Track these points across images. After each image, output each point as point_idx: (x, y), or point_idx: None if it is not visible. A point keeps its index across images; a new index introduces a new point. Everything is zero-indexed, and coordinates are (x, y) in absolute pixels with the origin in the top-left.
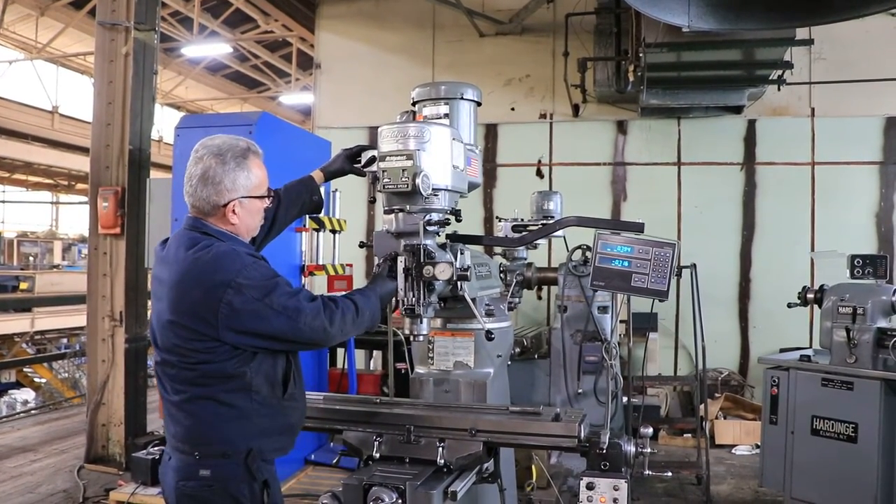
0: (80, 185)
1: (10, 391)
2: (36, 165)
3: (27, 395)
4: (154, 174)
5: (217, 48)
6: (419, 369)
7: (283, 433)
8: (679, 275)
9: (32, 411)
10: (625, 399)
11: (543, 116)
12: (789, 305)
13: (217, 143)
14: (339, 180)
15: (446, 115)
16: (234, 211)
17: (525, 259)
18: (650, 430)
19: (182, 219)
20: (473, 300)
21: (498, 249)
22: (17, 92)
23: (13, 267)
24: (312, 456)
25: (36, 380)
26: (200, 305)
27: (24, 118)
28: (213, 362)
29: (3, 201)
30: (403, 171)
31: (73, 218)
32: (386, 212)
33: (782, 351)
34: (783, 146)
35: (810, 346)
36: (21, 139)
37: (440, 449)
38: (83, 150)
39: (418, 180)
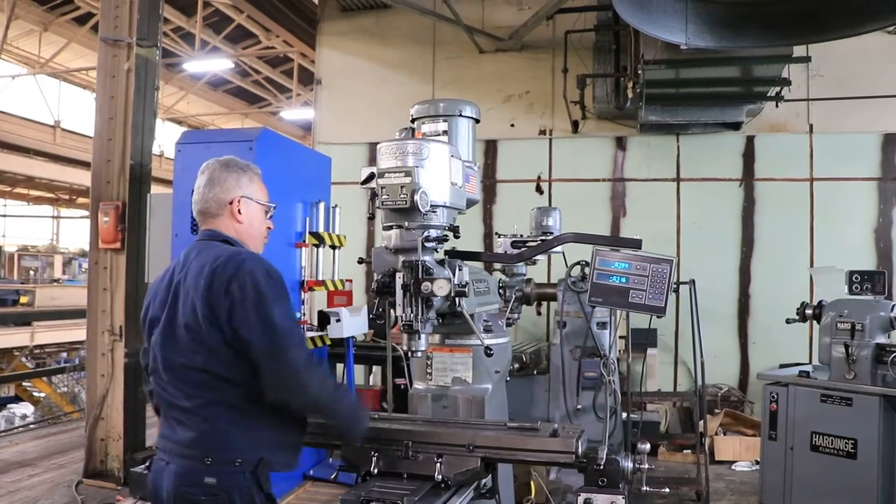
0: (81, 200)
1: (8, 405)
2: (37, 180)
3: (26, 409)
4: (155, 189)
5: (218, 64)
6: (417, 385)
7: (289, 448)
8: (677, 290)
9: (31, 426)
10: (624, 415)
11: (543, 133)
12: (788, 321)
13: (222, 158)
14: (340, 195)
15: (445, 132)
16: (239, 210)
17: (524, 275)
18: (647, 446)
19: (182, 233)
20: (472, 316)
21: (497, 265)
22: (20, 106)
23: (13, 281)
24: (311, 471)
25: (35, 394)
26: (213, 293)
27: (26, 132)
28: (220, 363)
29: (5, 215)
30: (402, 187)
31: (74, 232)
32: (384, 228)
33: (782, 367)
34: (782, 162)
35: (810, 362)
36: (23, 153)
37: (438, 464)
38: (84, 165)
39: (417, 197)
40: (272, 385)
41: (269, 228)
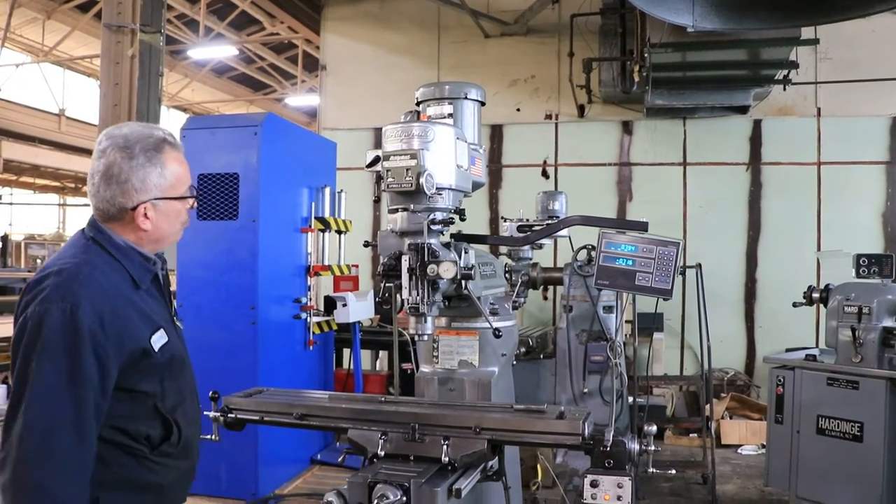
0: (86, 188)
1: None
2: (43, 168)
3: None
4: None
5: (223, 50)
6: (424, 368)
7: (146, 491)
8: (683, 274)
9: None
10: (630, 399)
11: (549, 117)
12: (795, 305)
13: (124, 132)
14: (346, 181)
15: (450, 115)
16: (145, 215)
17: (530, 259)
18: (654, 428)
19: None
20: (478, 299)
21: (503, 249)
22: (24, 95)
23: (21, 269)
24: (318, 455)
25: None
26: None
27: (31, 121)
28: None
29: (11, 204)
30: (407, 170)
31: (80, 220)
32: (390, 211)
33: (788, 351)
34: (789, 146)
35: (816, 346)
36: (28, 142)
37: (444, 447)
38: (90, 153)
39: (422, 179)
40: None
41: (191, 209)
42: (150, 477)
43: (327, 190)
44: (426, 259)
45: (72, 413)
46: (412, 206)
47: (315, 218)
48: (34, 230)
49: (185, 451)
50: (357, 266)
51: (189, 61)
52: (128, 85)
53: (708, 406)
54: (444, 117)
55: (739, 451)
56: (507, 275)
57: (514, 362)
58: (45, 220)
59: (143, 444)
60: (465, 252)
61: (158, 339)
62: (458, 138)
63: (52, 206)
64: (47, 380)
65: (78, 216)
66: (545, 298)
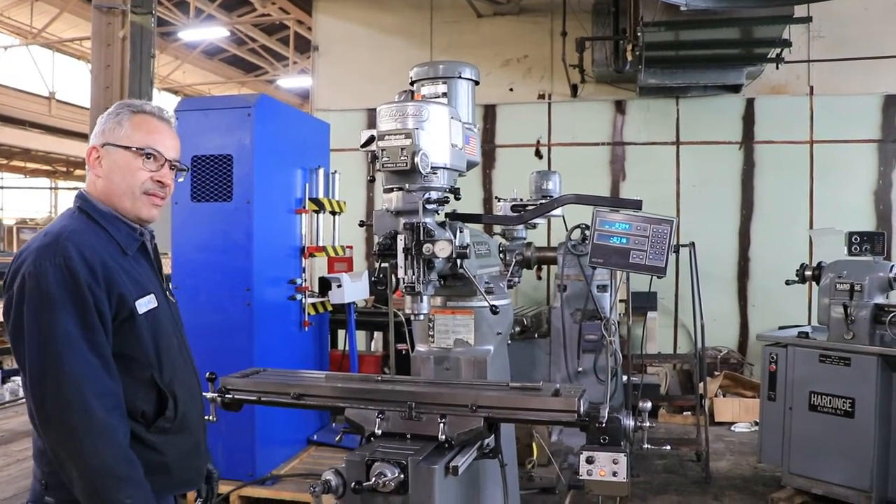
0: (78, 172)
1: (12, 377)
2: (34, 152)
3: None
4: None
5: (214, 32)
6: (420, 347)
7: (149, 469)
8: (676, 252)
9: None
10: (624, 377)
11: (542, 97)
12: (788, 283)
13: (136, 101)
14: (339, 162)
15: (444, 95)
16: (97, 158)
17: (524, 239)
18: (649, 405)
19: (182, 201)
20: (473, 278)
21: (497, 229)
22: (14, 78)
23: (12, 254)
24: (315, 436)
25: None
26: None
27: (21, 104)
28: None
29: (2, 188)
30: (402, 149)
31: (71, 204)
32: (385, 191)
33: (781, 328)
34: (782, 125)
35: (809, 323)
36: (18, 126)
37: (441, 425)
38: (81, 136)
39: (417, 159)
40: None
41: (160, 183)
42: (151, 455)
43: (321, 171)
44: (422, 238)
45: (98, 357)
46: (407, 185)
47: (309, 199)
48: (25, 214)
49: (183, 426)
50: (351, 247)
51: (180, 43)
52: (119, 67)
53: (701, 384)
54: (439, 97)
55: (732, 428)
56: (501, 254)
57: (509, 341)
58: (36, 204)
59: (139, 422)
60: (461, 231)
61: (146, 304)
62: (452, 117)
63: (44, 189)
64: (68, 329)
65: (69, 200)
66: (539, 278)
